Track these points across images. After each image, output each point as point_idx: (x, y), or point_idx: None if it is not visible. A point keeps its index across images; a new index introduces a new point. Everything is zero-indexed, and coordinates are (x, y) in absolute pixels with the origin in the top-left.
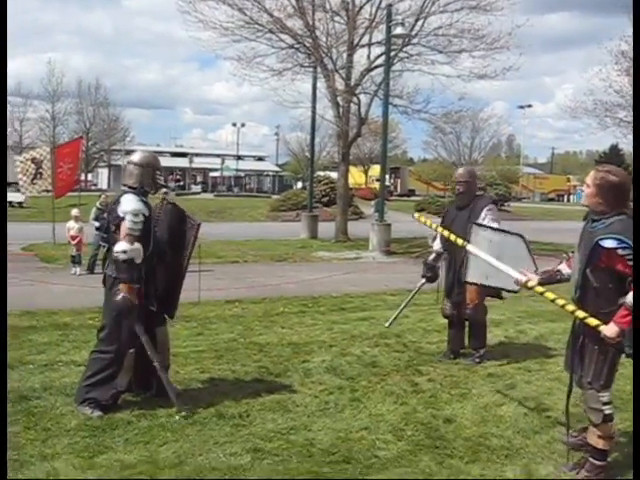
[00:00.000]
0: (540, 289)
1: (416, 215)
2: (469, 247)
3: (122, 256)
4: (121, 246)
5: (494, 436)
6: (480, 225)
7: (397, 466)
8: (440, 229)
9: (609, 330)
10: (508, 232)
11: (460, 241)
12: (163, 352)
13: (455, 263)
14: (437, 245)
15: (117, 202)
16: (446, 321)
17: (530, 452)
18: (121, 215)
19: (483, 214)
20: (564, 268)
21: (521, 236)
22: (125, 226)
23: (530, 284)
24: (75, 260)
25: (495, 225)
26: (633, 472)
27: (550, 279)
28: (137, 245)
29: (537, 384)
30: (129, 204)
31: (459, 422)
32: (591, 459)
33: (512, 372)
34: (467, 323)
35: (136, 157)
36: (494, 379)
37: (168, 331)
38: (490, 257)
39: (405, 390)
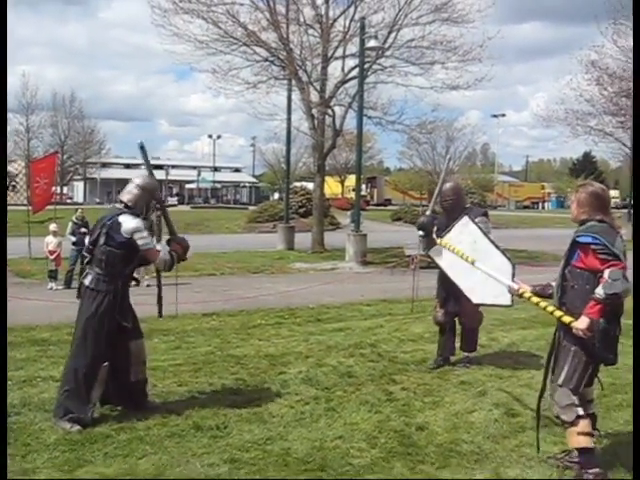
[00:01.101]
0: (528, 294)
1: (438, 241)
2: (477, 264)
3: (164, 265)
4: (154, 261)
5: (465, 442)
6: (475, 223)
7: (370, 473)
8: (449, 245)
9: (580, 322)
10: (500, 249)
11: (470, 259)
12: (137, 365)
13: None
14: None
15: (112, 219)
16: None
17: (499, 456)
18: (126, 236)
19: None
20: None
21: (510, 261)
22: (140, 245)
23: (521, 291)
24: (52, 275)
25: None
26: (633, 472)
27: (542, 291)
28: (161, 248)
29: (508, 390)
30: (130, 223)
31: (431, 429)
32: (584, 471)
33: (484, 379)
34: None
35: (139, 179)
36: (466, 386)
37: (144, 344)
38: (493, 271)
39: (379, 399)
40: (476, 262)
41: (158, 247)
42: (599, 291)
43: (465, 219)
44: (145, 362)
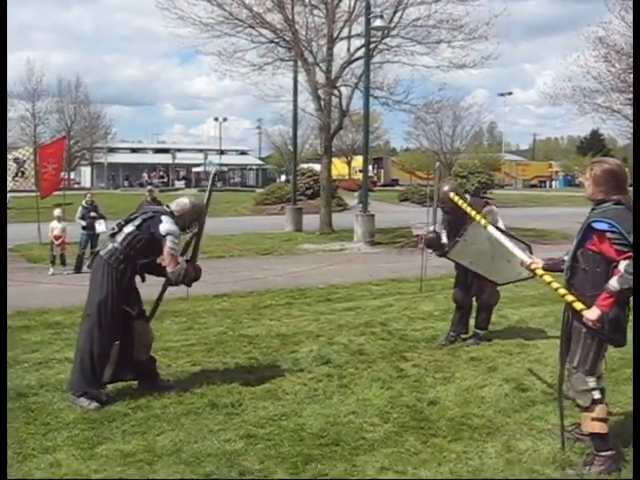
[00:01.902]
0: (540, 272)
1: (451, 195)
2: (490, 228)
3: (176, 277)
4: (171, 268)
5: (476, 416)
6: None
7: (384, 447)
8: (469, 209)
9: (591, 313)
10: (514, 237)
11: (483, 221)
12: (139, 345)
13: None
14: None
15: (156, 213)
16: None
17: (510, 429)
18: (162, 233)
19: None
20: None
21: (528, 245)
22: (168, 247)
23: (533, 266)
24: (54, 260)
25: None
26: (633, 472)
27: (555, 266)
28: (181, 261)
29: (517, 366)
30: (170, 225)
31: (442, 404)
32: (596, 452)
33: (494, 355)
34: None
35: (195, 199)
36: (476, 362)
37: (148, 325)
38: (504, 238)
39: (391, 375)
40: (488, 227)
41: (180, 259)
42: (614, 284)
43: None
44: (149, 345)
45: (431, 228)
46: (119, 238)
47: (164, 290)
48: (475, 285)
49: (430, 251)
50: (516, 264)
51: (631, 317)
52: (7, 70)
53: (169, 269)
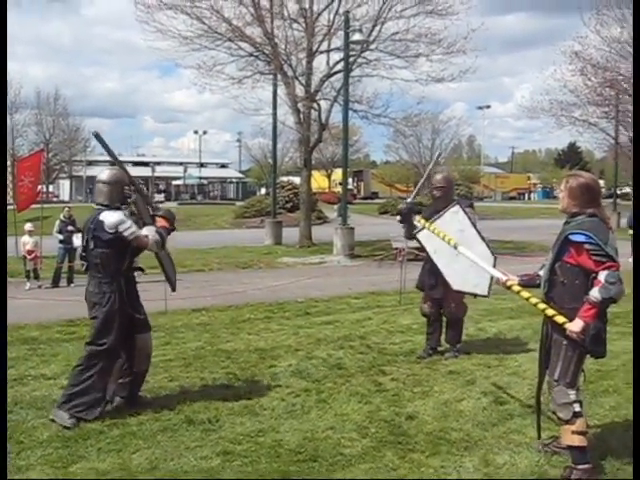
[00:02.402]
0: (517, 288)
1: (420, 220)
2: (460, 248)
3: (157, 247)
4: (146, 247)
5: (454, 430)
6: (465, 212)
7: (361, 462)
8: (434, 229)
9: (575, 325)
10: (485, 241)
11: (453, 242)
12: (140, 357)
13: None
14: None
15: (94, 221)
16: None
17: (488, 443)
18: (110, 231)
19: None
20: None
21: (492, 253)
22: (126, 236)
23: (509, 283)
24: (30, 275)
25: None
26: (633, 472)
27: (530, 282)
28: (148, 232)
29: (496, 379)
30: (111, 218)
31: (421, 418)
32: (573, 466)
33: (472, 369)
34: (445, 319)
35: (104, 175)
36: (455, 376)
37: (150, 337)
38: (477, 258)
39: (369, 390)
40: (459, 247)
41: (144, 232)
42: (595, 294)
43: (456, 207)
44: (149, 355)
45: (408, 200)
46: (93, 269)
47: (158, 257)
48: (440, 294)
49: (399, 218)
50: (477, 275)
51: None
52: (6, 71)
53: (147, 249)
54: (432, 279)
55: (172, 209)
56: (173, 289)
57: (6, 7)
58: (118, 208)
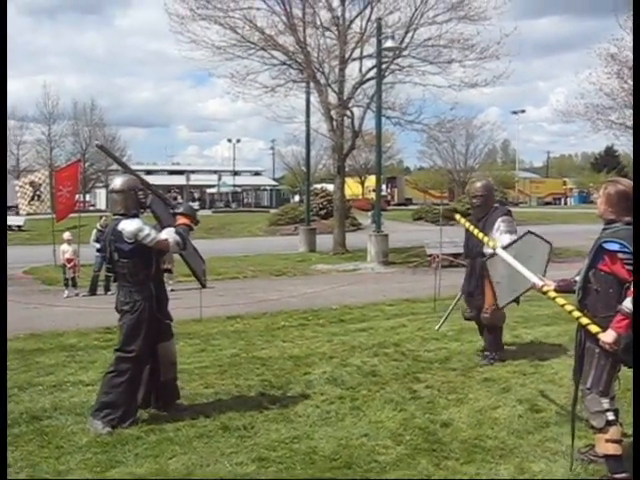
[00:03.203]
0: (553, 294)
1: (457, 217)
2: (499, 251)
3: (180, 248)
4: (169, 249)
5: (489, 438)
6: (540, 237)
7: (396, 469)
8: (476, 231)
9: (607, 336)
10: (538, 236)
11: (492, 243)
12: (165, 365)
13: (475, 269)
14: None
15: (113, 232)
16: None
17: (523, 451)
18: (130, 241)
19: (497, 224)
20: None
21: (549, 244)
22: (148, 242)
23: (545, 288)
24: (67, 283)
25: (507, 237)
26: (633, 472)
27: (567, 287)
28: (168, 235)
29: (531, 387)
30: (129, 227)
31: (455, 426)
32: (610, 475)
33: (507, 376)
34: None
35: (116, 184)
36: (490, 383)
37: (173, 345)
38: (516, 262)
39: (404, 397)
40: (498, 249)
41: (163, 235)
42: (628, 305)
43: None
44: (174, 363)
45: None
46: (121, 280)
47: (183, 257)
48: (480, 300)
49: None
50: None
51: None
52: (6, 79)
53: (169, 251)
54: (470, 286)
55: (193, 206)
56: (203, 285)
57: (6, 7)
58: (136, 215)
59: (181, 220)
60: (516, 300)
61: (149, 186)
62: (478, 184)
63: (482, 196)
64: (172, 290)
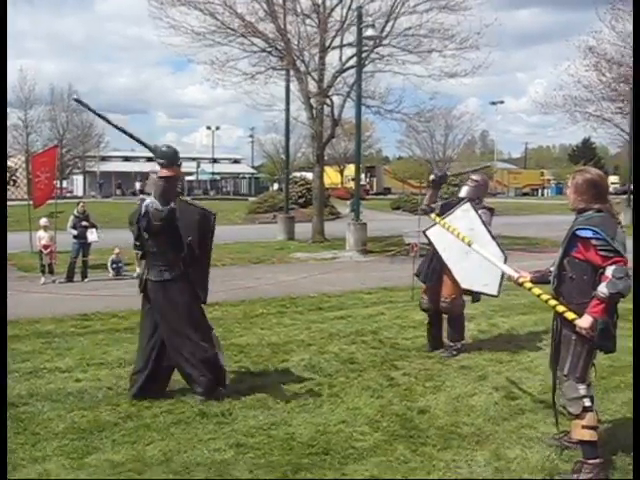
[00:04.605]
0: (529, 285)
1: (432, 216)
2: (474, 246)
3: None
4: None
5: (465, 424)
6: (476, 211)
7: (373, 455)
8: (448, 225)
9: (584, 321)
10: (495, 240)
11: (467, 239)
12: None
13: (436, 255)
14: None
15: (141, 212)
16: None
17: (499, 438)
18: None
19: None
20: None
21: (503, 252)
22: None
23: (521, 280)
24: (45, 270)
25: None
26: (633, 472)
27: (542, 278)
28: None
29: (507, 374)
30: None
31: (432, 412)
32: (584, 460)
33: (484, 364)
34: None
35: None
36: (466, 371)
37: None
38: (491, 255)
39: (381, 384)
40: (473, 244)
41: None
42: (603, 289)
43: (467, 205)
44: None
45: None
46: (151, 259)
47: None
48: (435, 283)
49: (432, 177)
50: (487, 274)
51: (622, 324)
52: (7, 79)
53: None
54: (429, 270)
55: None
56: None
57: (6, 7)
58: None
59: (163, 173)
60: (474, 297)
61: (131, 135)
62: (477, 175)
63: (478, 182)
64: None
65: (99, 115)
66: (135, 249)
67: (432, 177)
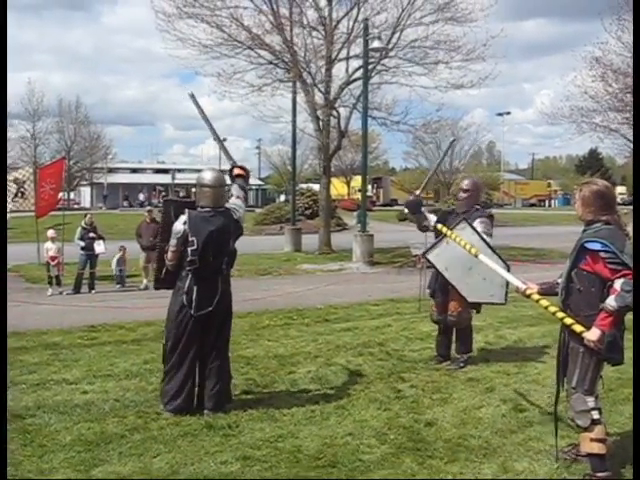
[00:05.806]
0: (536, 297)
1: (441, 227)
2: (481, 257)
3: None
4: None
5: (473, 437)
6: (472, 226)
7: (380, 468)
8: (458, 239)
9: (592, 334)
10: (496, 253)
11: (474, 250)
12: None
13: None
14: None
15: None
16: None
17: (507, 450)
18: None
19: (475, 224)
20: None
21: (506, 264)
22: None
23: (528, 292)
24: (51, 281)
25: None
26: (633, 472)
27: (549, 290)
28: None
29: (515, 386)
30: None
31: (440, 425)
32: (592, 474)
33: (492, 376)
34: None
35: (206, 178)
36: (474, 383)
37: None
38: (497, 267)
39: (388, 396)
40: (480, 255)
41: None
42: (611, 302)
43: (463, 224)
44: None
45: (417, 192)
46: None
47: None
48: (443, 298)
49: (405, 211)
50: (491, 285)
51: (630, 336)
52: (7, 86)
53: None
54: (436, 284)
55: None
56: None
57: (6, 7)
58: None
59: (237, 171)
60: (477, 309)
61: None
62: (467, 180)
63: (468, 191)
64: (146, 288)
65: (207, 120)
66: (190, 266)
67: (402, 216)
